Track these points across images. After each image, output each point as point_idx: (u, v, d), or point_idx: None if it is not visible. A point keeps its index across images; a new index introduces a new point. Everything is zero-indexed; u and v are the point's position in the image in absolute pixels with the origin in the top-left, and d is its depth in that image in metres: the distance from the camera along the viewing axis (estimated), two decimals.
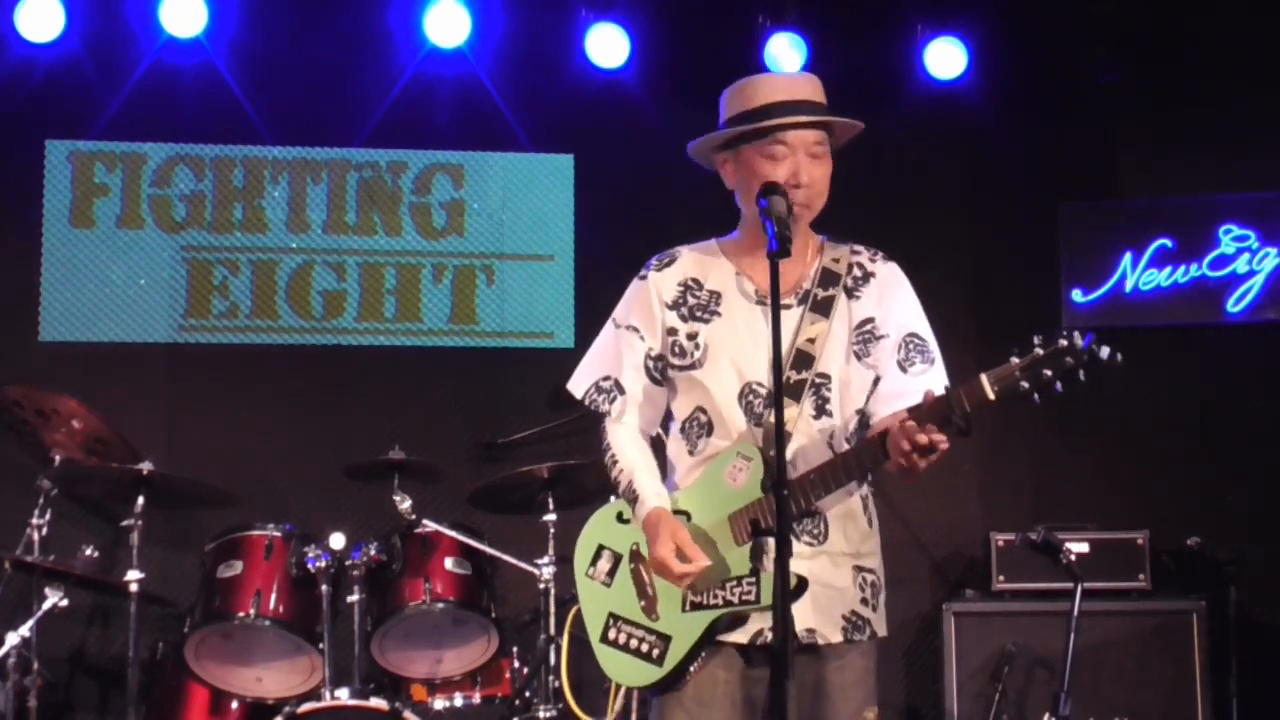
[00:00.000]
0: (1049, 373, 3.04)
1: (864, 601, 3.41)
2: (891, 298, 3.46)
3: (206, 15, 6.38)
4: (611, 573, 3.49)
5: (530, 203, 6.84)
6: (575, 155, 6.84)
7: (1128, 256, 6.79)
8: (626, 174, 6.76)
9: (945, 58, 6.70)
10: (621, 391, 3.52)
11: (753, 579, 3.28)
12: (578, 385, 3.60)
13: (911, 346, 3.43)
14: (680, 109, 6.63)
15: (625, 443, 3.53)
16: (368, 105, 6.65)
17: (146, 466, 5.29)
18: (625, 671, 3.44)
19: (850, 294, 3.45)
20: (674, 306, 3.49)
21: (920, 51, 6.70)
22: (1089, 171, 6.89)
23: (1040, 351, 3.06)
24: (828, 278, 3.45)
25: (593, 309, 6.76)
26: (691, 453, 3.46)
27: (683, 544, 3.33)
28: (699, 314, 3.46)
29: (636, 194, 6.72)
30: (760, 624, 3.32)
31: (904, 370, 3.40)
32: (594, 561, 3.53)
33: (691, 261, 3.53)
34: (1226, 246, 6.73)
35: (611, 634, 3.45)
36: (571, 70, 6.67)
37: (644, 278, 3.55)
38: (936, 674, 6.12)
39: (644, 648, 3.40)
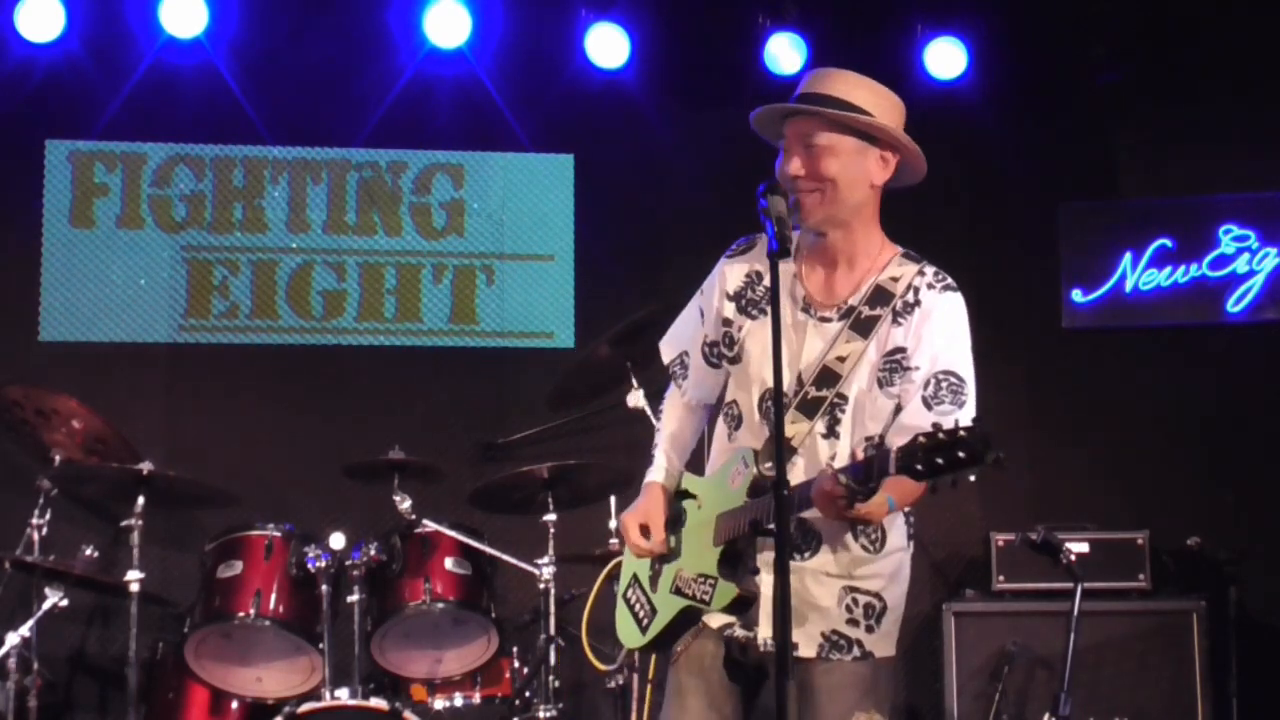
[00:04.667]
0: (941, 461, 2.89)
1: (851, 622, 3.39)
2: (930, 331, 3.35)
3: (206, 15, 6.37)
4: None
5: (530, 203, 6.83)
6: (575, 155, 6.84)
7: (1128, 256, 6.79)
8: (626, 174, 6.77)
9: (945, 58, 6.70)
10: (689, 373, 3.64)
11: (712, 581, 3.34)
12: (667, 351, 3.71)
13: (944, 384, 3.32)
14: (680, 109, 6.64)
15: (672, 411, 3.70)
16: (368, 105, 6.65)
17: (146, 466, 5.29)
18: (624, 629, 3.63)
19: (895, 318, 3.37)
20: (734, 298, 3.51)
21: (920, 51, 6.70)
22: (1089, 171, 6.89)
23: (943, 437, 2.90)
24: (879, 296, 3.39)
25: (593, 309, 6.79)
26: (728, 438, 3.52)
27: (652, 524, 3.51)
28: (750, 309, 3.48)
29: (636, 194, 6.73)
30: (729, 619, 3.38)
31: (929, 407, 3.31)
32: None
33: (763, 253, 3.44)
34: (1226, 246, 6.73)
35: (629, 592, 3.61)
36: (571, 70, 6.67)
37: (722, 260, 3.58)
38: (936, 674, 6.12)
39: (640, 613, 3.55)
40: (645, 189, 6.72)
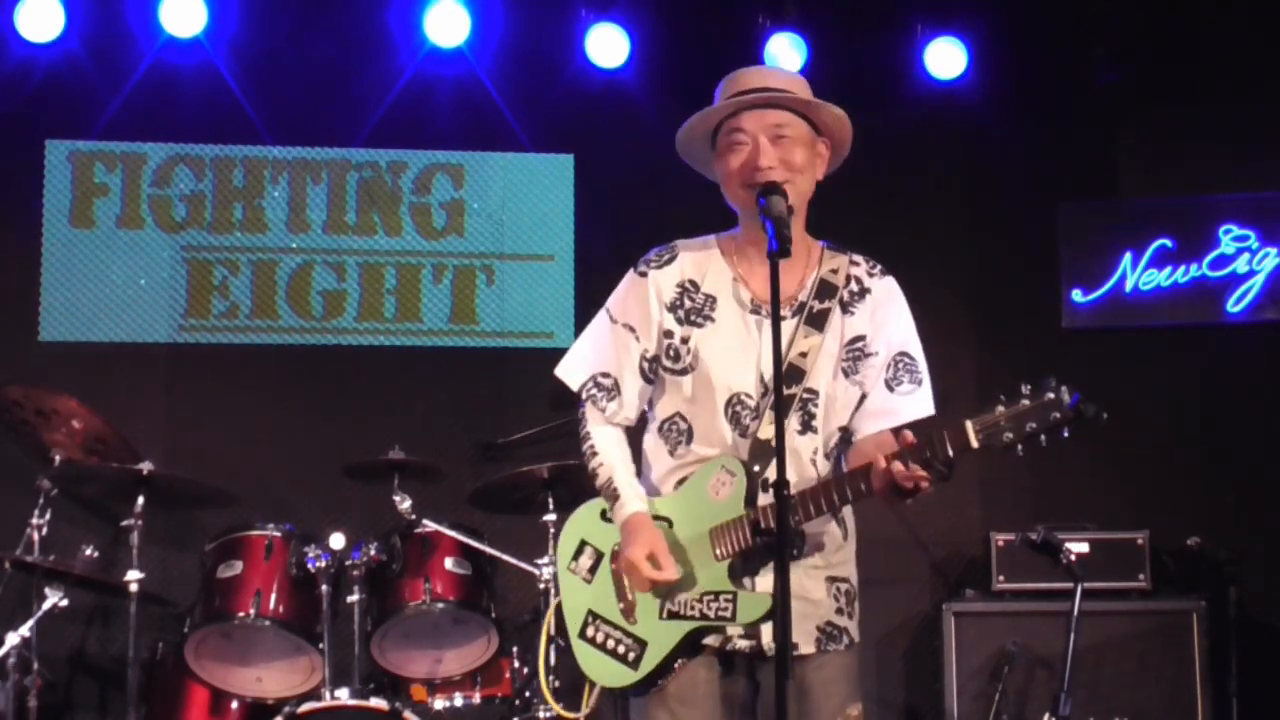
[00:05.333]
0: (1033, 425, 3.04)
1: (839, 611, 3.42)
2: (884, 315, 3.43)
3: (206, 15, 6.38)
4: (593, 570, 3.47)
5: (530, 203, 6.84)
6: (575, 155, 6.84)
7: (1128, 256, 6.79)
8: (626, 174, 6.76)
9: (945, 58, 6.70)
10: (619, 393, 3.49)
11: (729, 596, 3.28)
12: (573, 375, 3.56)
13: (901, 366, 3.41)
14: (680, 109, 6.54)
15: (608, 441, 3.50)
16: (368, 105, 6.66)
17: (146, 466, 5.29)
18: (601, 671, 3.43)
19: (845, 308, 3.41)
20: (672, 309, 3.44)
21: (920, 51, 6.71)
22: (1089, 171, 6.89)
23: (1026, 403, 3.05)
24: (824, 289, 3.41)
25: (593, 309, 6.73)
26: (671, 454, 3.44)
27: (659, 552, 3.32)
28: (693, 318, 3.43)
29: (636, 194, 6.72)
30: (732, 631, 3.33)
31: (891, 389, 3.39)
32: (576, 556, 3.52)
33: (690, 261, 3.48)
34: (1226, 246, 6.73)
35: (590, 631, 3.45)
36: (571, 70, 6.67)
37: (643, 274, 3.50)
38: (936, 674, 6.12)
39: (620, 649, 3.40)
40: (645, 189, 6.70)
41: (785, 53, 6.55)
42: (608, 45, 6.61)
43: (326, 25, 6.61)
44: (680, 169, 6.86)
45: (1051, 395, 3.03)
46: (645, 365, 3.48)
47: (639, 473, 3.49)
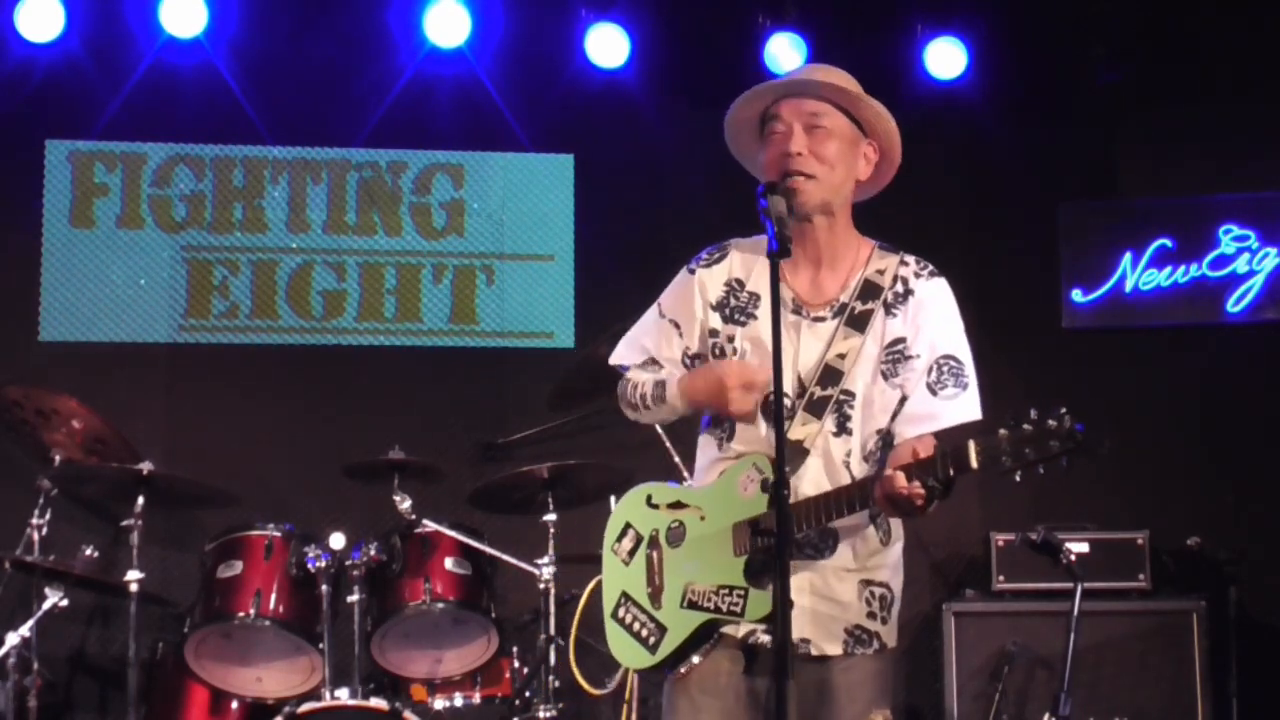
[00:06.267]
0: (1031, 454, 2.96)
1: (871, 615, 3.39)
2: (927, 317, 3.38)
3: (206, 15, 6.38)
4: (632, 553, 3.52)
5: (530, 203, 6.84)
6: (575, 155, 6.84)
7: (1128, 256, 6.79)
8: (626, 174, 6.77)
9: (945, 58, 6.71)
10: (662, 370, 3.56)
11: (741, 592, 3.29)
12: (632, 354, 3.62)
13: (945, 369, 3.35)
14: (680, 109, 6.64)
15: (641, 372, 3.58)
16: (368, 105, 6.66)
17: (146, 466, 5.29)
18: (624, 651, 3.51)
19: (889, 310, 3.39)
20: (718, 307, 3.47)
21: (920, 51, 6.71)
22: (1089, 171, 6.89)
23: (1029, 428, 2.97)
24: (868, 290, 3.40)
25: (593, 309, 6.79)
26: (718, 448, 3.47)
27: (741, 365, 3.38)
28: (737, 316, 3.45)
29: (636, 194, 6.73)
30: (754, 624, 3.33)
31: (934, 392, 3.33)
32: (619, 538, 3.56)
33: (739, 259, 3.49)
34: (1226, 246, 6.73)
35: (620, 612, 3.50)
36: (571, 70, 6.67)
37: (692, 271, 3.52)
38: (936, 674, 6.12)
39: (643, 633, 3.45)
40: (645, 189, 6.72)
41: (785, 53, 6.55)
42: (608, 45, 6.61)
43: (326, 25, 6.61)
44: (680, 169, 6.88)
45: (1054, 423, 2.94)
46: (687, 362, 3.53)
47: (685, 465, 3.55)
